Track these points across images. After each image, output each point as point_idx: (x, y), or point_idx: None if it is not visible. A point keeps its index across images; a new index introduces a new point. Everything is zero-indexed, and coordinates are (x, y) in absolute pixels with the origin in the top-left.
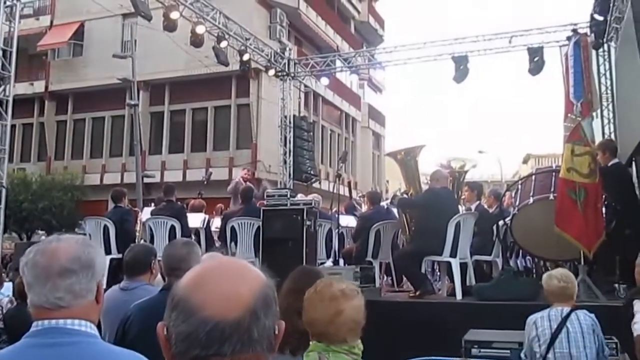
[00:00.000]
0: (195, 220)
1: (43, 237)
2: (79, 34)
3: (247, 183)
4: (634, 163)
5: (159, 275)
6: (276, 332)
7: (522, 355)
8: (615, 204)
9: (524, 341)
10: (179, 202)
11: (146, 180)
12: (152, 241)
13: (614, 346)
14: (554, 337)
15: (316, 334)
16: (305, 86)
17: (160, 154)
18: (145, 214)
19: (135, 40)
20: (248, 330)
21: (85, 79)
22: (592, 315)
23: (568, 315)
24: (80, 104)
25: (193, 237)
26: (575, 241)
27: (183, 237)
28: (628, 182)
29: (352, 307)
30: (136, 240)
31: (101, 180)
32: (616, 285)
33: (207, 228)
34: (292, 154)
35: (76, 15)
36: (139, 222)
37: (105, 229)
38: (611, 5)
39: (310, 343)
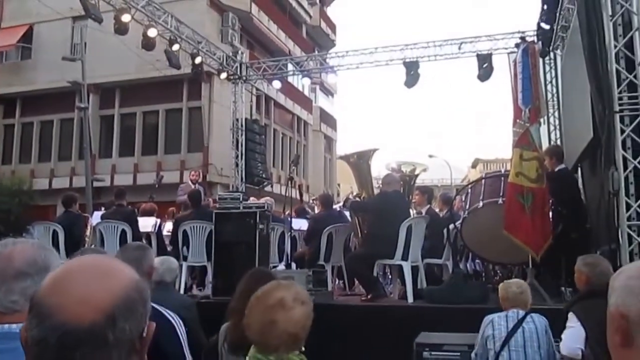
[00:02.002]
0: (146, 224)
1: None
2: (27, 37)
3: (196, 185)
4: (579, 169)
5: None
6: (144, 334)
7: (473, 355)
8: (561, 209)
9: (475, 342)
10: (129, 206)
11: (96, 184)
12: (102, 246)
13: None
14: (509, 335)
15: (252, 339)
16: (257, 90)
17: (110, 157)
18: (96, 218)
19: (86, 43)
20: (102, 335)
21: (34, 82)
22: (544, 317)
23: (525, 316)
24: (28, 107)
25: (144, 241)
26: (523, 245)
27: (135, 241)
28: (574, 187)
29: (288, 319)
30: (86, 246)
31: (50, 184)
32: (563, 288)
33: (159, 232)
34: (244, 157)
35: (25, 18)
36: (89, 227)
37: (55, 234)
38: (557, 14)
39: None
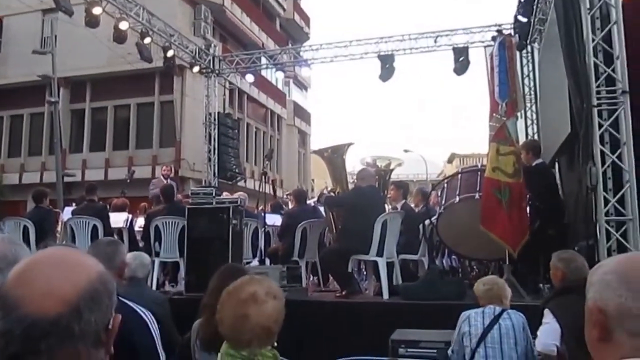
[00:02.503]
0: (118, 219)
1: None
2: None
3: (168, 180)
4: (557, 164)
5: None
6: (109, 326)
7: (450, 351)
8: (539, 204)
9: (452, 338)
10: (101, 202)
11: (67, 179)
12: (73, 241)
13: None
14: (485, 332)
15: (224, 334)
16: (230, 83)
17: (81, 152)
18: (66, 214)
19: (56, 36)
20: (68, 327)
21: (4, 77)
22: (522, 314)
23: (501, 313)
24: None
25: (116, 237)
26: (500, 240)
27: (106, 237)
28: (551, 182)
29: (261, 312)
30: (57, 242)
31: (20, 179)
32: (541, 285)
33: (130, 228)
34: (216, 151)
35: None
36: (59, 222)
37: (25, 230)
38: (535, 7)
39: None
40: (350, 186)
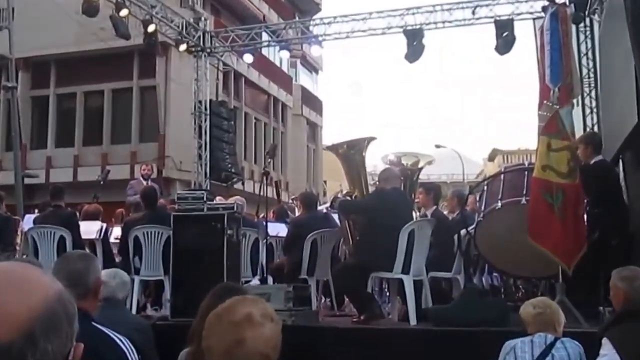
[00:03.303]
0: (89, 229)
1: None
2: None
3: (150, 182)
4: (621, 161)
5: None
6: (70, 356)
7: None
8: (598, 210)
9: None
10: (69, 208)
11: (27, 180)
12: (36, 256)
13: None
14: None
15: None
16: (225, 65)
17: (45, 148)
18: (27, 222)
19: (13, 9)
20: (21, 357)
21: None
22: (578, 343)
23: (553, 342)
24: None
25: (87, 250)
26: (551, 254)
27: (76, 250)
28: (614, 184)
29: (258, 336)
30: (16, 255)
31: None
32: (601, 308)
33: (105, 239)
34: (208, 147)
35: None
36: (19, 232)
37: None
38: None
39: None
40: (371, 189)
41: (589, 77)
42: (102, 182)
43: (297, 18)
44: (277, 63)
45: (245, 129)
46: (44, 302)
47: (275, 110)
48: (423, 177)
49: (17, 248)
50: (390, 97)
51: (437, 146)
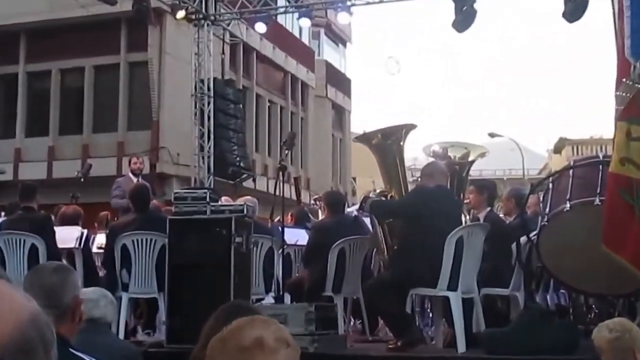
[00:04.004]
0: (67, 236)
1: None
2: None
3: (140, 179)
4: None
5: None
6: None
7: None
8: None
9: None
10: (42, 211)
11: None
12: (2, 267)
13: None
14: None
15: None
16: (232, 36)
17: (12, 137)
18: None
19: None
20: None
21: None
22: None
23: None
24: None
25: (65, 261)
26: (631, 266)
27: (51, 261)
28: None
29: None
30: None
31: None
32: None
33: (86, 248)
34: (212, 137)
35: None
36: None
37: None
38: None
39: None
40: (410, 187)
41: None
42: (82, 179)
43: None
44: (296, 33)
45: (256, 114)
46: (15, 326)
47: (293, 91)
48: (474, 172)
49: None
50: (433, 76)
51: (492, 135)
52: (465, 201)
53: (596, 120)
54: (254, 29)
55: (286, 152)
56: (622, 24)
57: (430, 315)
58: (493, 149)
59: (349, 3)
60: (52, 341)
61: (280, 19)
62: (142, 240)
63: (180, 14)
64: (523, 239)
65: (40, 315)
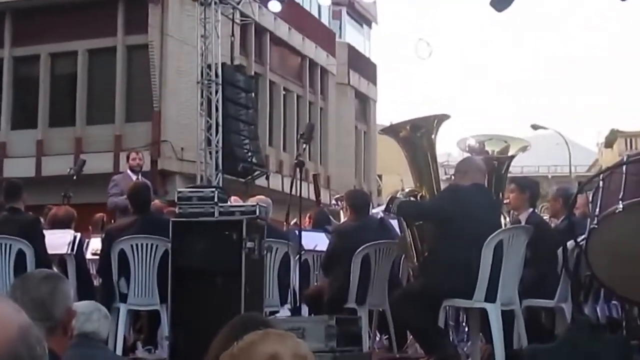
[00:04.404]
0: (58, 241)
1: None
2: None
3: (140, 177)
4: None
5: None
6: None
7: None
8: None
9: None
10: (30, 212)
11: None
12: None
13: None
14: None
15: None
16: (243, 16)
17: None
18: None
19: None
20: None
21: None
22: None
23: None
24: None
25: (55, 269)
26: None
27: (41, 268)
28: None
29: None
30: None
31: None
32: None
33: (79, 254)
34: (220, 129)
35: None
36: None
37: None
38: None
39: None
40: (443, 185)
41: None
42: (75, 177)
43: None
44: (315, 13)
45: (270, 103)
46: (3, 342)
47: (311, 77)
48: (515, 169)
49: None
50: (468, 61)
51: (535, 127)
52: (505, 201)
53: None
54: (267, 7)
55: (304, 146)
56: None
57: (466, 329)
58: (536, 142)
59: None
60: (42, 357)
61: None
62: (142, 245)
63: None
64: (570, 243)
65: (31, 329)
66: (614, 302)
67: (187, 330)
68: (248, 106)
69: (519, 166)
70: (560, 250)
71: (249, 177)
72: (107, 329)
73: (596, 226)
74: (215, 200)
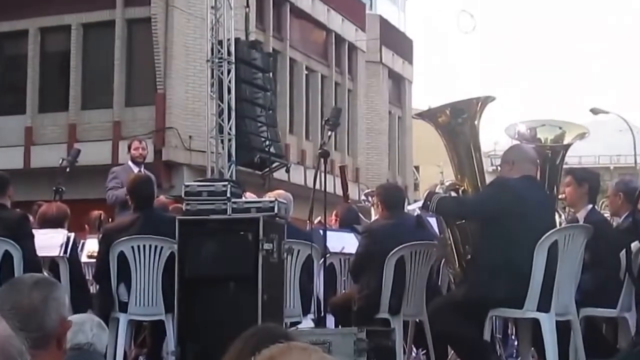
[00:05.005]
0: (50, 241)
1: None
2: None
3: (143, 169)
4: None
5: None
6: None
7: None
8: None
9: None
10: (17, 209)
11: None
12: None
13: None
14: None
15: None
16: None
17: None
18: None
19: None
20: None
21: None
22: None
23: None
24: None
25: (46, 273)
26: None
27: (30, 273)
28: None
29: None
30: None
31: None
32: None
33: (73, 257)
34: (234, 115)
35: None
36: None
37: None
38: None
39: None
40: (489, 178)
41: None
42: (68, 169)
43: None
44: None
45: (291, 84)
46: None
47: (338, 55)
48: (571, 159)
49: None
50: (517, 36)
51: (595, 111)
52: (560, 196)
53: None
54: None
55: (329, 133)
56: None
57: (515, 343)
58: (596, 129)
59: None
60: None
61: None
62: (144, 247)
63: None
64: (634, 245)
65: (11, 340)
66: None
67: (196, 344)
68: (265, 88)
69: (577, 156)
70: (623, 253)
71: (267, 169)
72: (104, 341)
73: None
74: (228, 195)
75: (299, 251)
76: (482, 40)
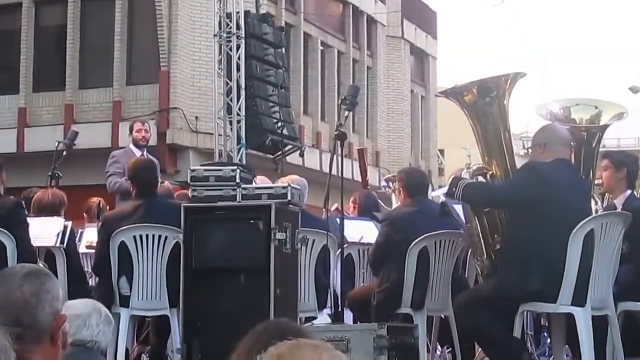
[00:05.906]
0: (45, 230)
1: None
2: None
3: (146, 152)
4: None
5: None
6: None
7: None
8: None
9: None
10: (11, 196)
11: None
12: None
13: None
14: None
15: None
16: None
17: None
18: None
19: None
20: None
21: None
22: None
23: None
24: None
25: (42, 264)
26: None
27: (23, 263)
28: None
29: None
30: None
31: None
32: None
33: (70, 247)
34: (243, 94)
35: None
36: None
37: None
38: None
39: None
40: (519, 162)
41: None
42: (65, 152)
43: None
44: None
45: (305, 61)
46: None
47: (356, 29)
48: (609, 141)
49: None
50: (550, 9)
51: (634, 89)
52: (596, 181)
53: None
54: None
55: (346, 114)
56: None
57: (548, 340)
58: (634, 109)
59: None
60: None
61: None
62: (147, 236)
63: None
64: None
65: None
66: None
67: (203, 340)
68: (277, 65)
69: (615, 138)
70: None
71: (279, 152)
72: (108, 337)
73: None
74: (237, 180)
75: (314, 241)
76: (512, 13)
